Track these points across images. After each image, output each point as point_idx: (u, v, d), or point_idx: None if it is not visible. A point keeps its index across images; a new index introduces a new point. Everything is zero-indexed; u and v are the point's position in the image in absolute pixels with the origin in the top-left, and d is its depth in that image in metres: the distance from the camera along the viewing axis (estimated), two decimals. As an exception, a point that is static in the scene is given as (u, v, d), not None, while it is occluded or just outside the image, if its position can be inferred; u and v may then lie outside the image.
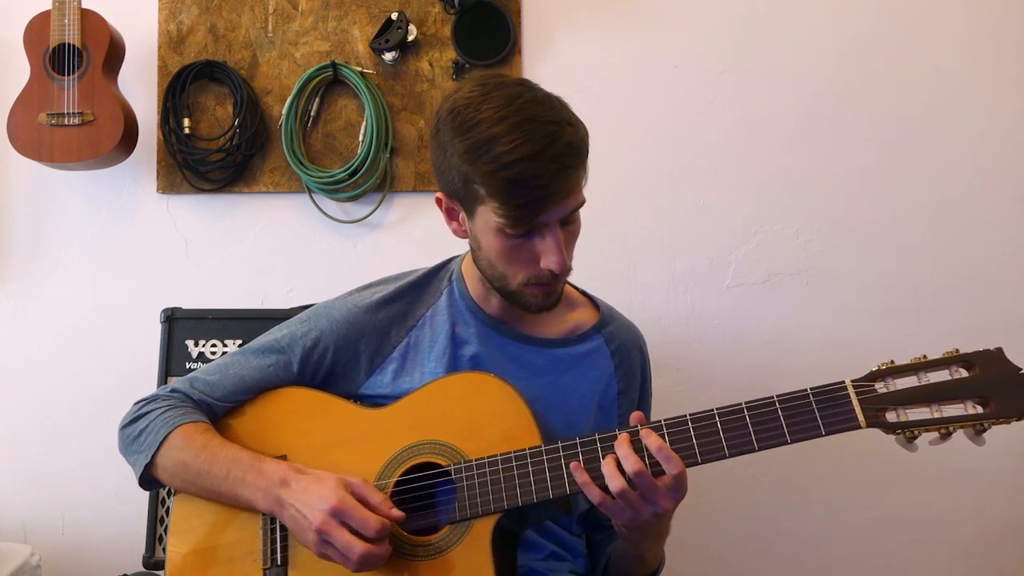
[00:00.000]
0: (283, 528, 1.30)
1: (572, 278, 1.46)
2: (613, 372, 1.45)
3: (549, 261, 1.25)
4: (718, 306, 2.18)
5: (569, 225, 1.28)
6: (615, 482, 1.16)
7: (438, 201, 1.35)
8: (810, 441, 1.15)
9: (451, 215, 1.35)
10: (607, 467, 1.17)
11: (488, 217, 1.24)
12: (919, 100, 2.17)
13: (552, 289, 1.32)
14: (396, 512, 1.23)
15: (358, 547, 1.18)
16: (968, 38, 2.17)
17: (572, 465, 1.20)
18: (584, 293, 1.53)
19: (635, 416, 1.22)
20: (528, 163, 1.17)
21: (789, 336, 2.17)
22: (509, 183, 1.18)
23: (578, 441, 1.22)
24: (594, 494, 1.19)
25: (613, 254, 2.18)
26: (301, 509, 1.22)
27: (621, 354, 1.47)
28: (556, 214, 1.23)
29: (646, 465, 1.16)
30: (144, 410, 1.39)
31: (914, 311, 2.14)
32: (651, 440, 1.17)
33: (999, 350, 1.12)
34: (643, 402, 1.51)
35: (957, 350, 1.13)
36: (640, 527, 1.22)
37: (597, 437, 1.21)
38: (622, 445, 1.18)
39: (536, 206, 1.20)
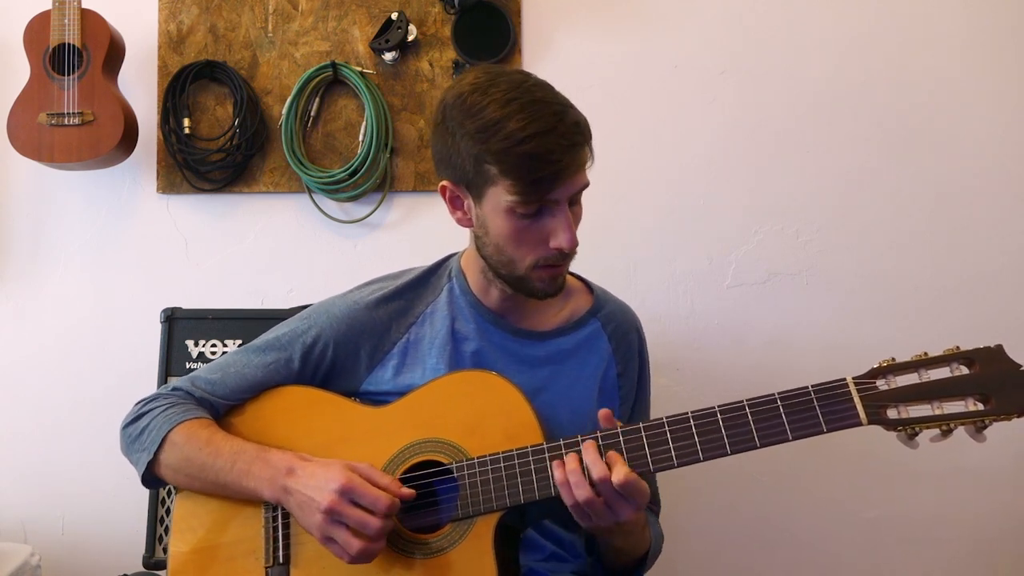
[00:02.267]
0: (285, 527, 1.31)
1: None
2: (612, 354, 1.46)
3: (559, 239, 1.26)
4: (718, 306, 2.18)
5: (575, 207, 1.30)
6: (581, 491, 1.17)
7: (442, 190, 1.35)
8: (809, 440, 1.15)
9: (456, 204, 1.35)
10: (574, 476, 1.17)
11: (499, 198, 1.26)
12: (919, 100, 2.17)
13: (559, 272, 1.33)
14: (407, 490, 1.24)
15: (374, 521, 1.19)
16: (968, 38, 2.17)
17: (554, 463, 1.20)
18: (577, 277, 1.53)
19: (603, 414, 1.22)
20: (542, 138, 1.20)
21: (789, 336, 2.17)
22: (525, 158, 1.21)
23: (580, 439, 1.22)
24: (568, 496, 1.18)
25: (613, 254, 2.17)
26: (308, 493, 1.22)
27: (618, 336, 1.47)
28: (566, 190, 1.25)
29: (610, 474, 1.16)
30: (145, 409, 1.39)
31: (914, 311, 2.15)
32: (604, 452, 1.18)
33: (999, 347, 1.12)
34: (641, 383, 1.51)
35: (958, 347, 1.13)
36: (602, 529, 1.22)
37: (599, 434, 1.21)
38: (589, 451, 1.18)
39: (550, 181, 1.23)
